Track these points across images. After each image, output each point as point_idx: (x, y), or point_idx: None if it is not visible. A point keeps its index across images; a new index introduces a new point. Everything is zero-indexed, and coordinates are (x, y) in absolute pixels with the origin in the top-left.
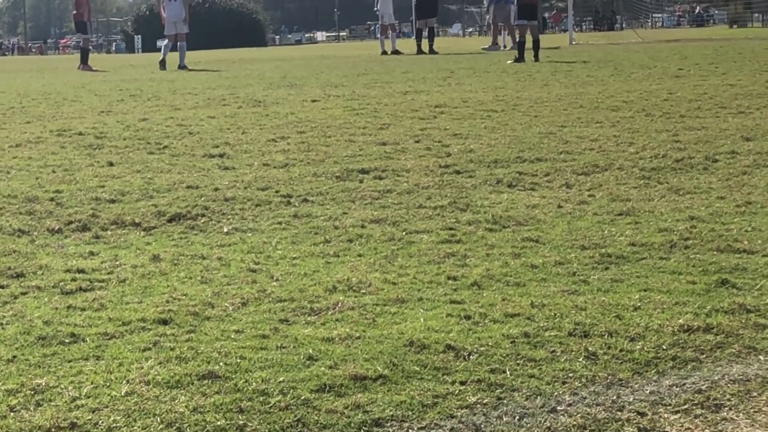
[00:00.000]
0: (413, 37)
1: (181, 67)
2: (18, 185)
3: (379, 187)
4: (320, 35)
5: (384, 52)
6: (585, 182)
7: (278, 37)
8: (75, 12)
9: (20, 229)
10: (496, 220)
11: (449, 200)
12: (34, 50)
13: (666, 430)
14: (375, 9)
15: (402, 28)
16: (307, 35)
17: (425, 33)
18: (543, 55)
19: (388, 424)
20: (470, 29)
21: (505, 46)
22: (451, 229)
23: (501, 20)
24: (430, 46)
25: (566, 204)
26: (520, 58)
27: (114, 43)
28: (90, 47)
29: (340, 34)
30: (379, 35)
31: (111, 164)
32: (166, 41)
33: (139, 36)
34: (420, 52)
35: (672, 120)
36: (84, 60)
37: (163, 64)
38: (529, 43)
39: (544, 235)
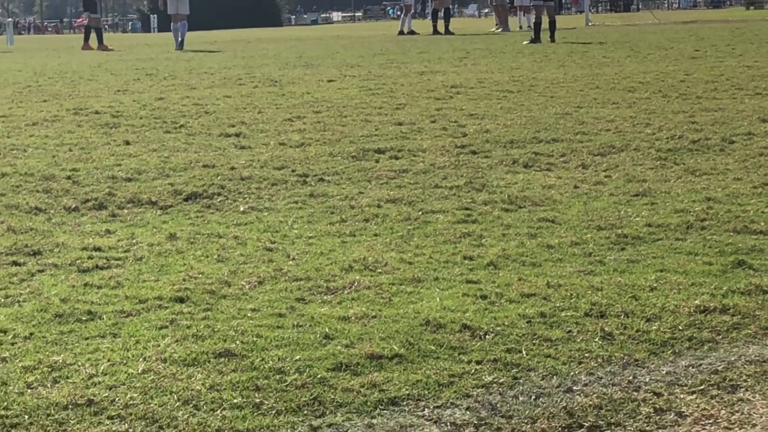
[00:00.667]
0: (429, 18)
1: (180, 46)
2: (35, 163)
3: (395, 166)
4: (336, 15)
5: (401, 32)
6: (601, 163)
7: (294, 17)
8: None
9: (37, 207)
10: (512, 200)
11: (465, 180)
12: (50, 29)
13: (682, 410)
14: None
15: (417, 8)
16: (323, 15)
17: (441, 13)
18: (559, 35)
19: (404, 403)
20: (486, 10)
21: (520, 27)
22: (467, 209)
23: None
24: (446, 26)
25: (582, 184)
26: (536, 39)
27: (130, 23)
28: (105, 26)
29: (356, 14)
30: (401, 15)
31: (127, 143)
32: (172, 24)
33: (155, 15)
34: (435, 32)
35: (688, 101)
36: (99, 39)
37: (180, 45)
38: (545, 24)
39: (560, 215)
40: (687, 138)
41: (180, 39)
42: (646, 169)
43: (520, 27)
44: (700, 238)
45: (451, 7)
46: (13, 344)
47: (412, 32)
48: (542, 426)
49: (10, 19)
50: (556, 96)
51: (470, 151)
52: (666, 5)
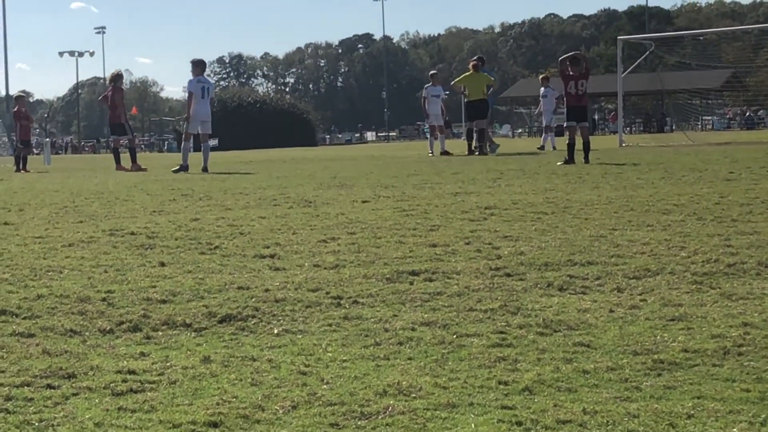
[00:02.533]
0: (464, 138)
1: (205, 169)
2: (70, 285)
3: (430, 289)
4: (370, 135)
5: (431, 154)
6: (636, 286)
7: (329, 136)
8: (110, 114)
9: (72, 329)
10: (547, 324)
11: (500, 303)
12: (87, 149)
13: None
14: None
15: (453, 129)
16: (357, 135)
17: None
18: (593, 156)
19: None
20: (519, 130)
21: (552, 148)
22: (501, 332)
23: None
24: (480, 146)
25: (618, 308)
26: (570, 160)
27: (165, 142)
28: (141, 146)
29: (390, 134)
30: (428, 135)
31: (162, 264)
32: (185, 143)
33: None
34: (470, 152)
35: (723, 224)
36: (133, 159)
37: (186, 168)
38: (579, 145)
39: (596, 339)
40: (722, 262)
41: (205, 158)
42: (681, 293)
43: (553, 147)
44: (737, 365)
45: (486, 128)
46: None
47: (445, 153)
48: None
49: (47, 139)
50: (591, 218)
51: (505, 273)
52: (700, 126)
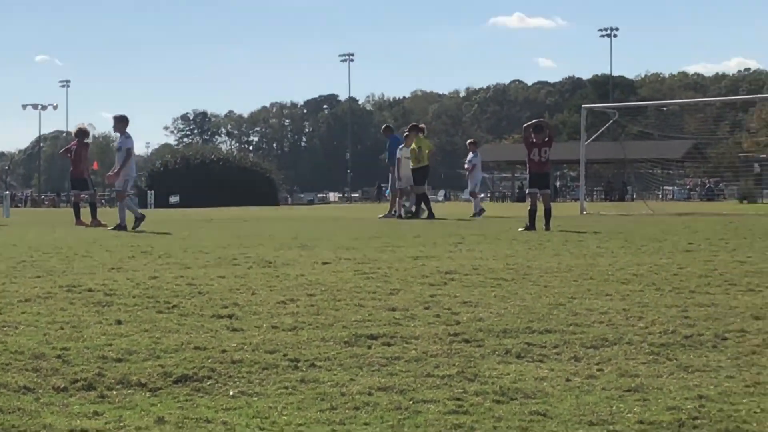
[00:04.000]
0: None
1: (140, 218)
2: (25, 341)
3: (388, 353)
4: (333, 195)
5: (399, 216)
6: (594, 356)
7: (290, 196)
8: (73, 168)
9: (26, 386)
10: (504, 392)
11: (457, 369)
12: (46, 202)
13: None
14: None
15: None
16: (319, 195)
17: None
18: (554, 223)
19: None
20: (482, 195)
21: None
22: (458, 399)
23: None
24: (417, 210)
25: (575, 377)
26: (531, 226)
27: (127, 197)
28: (101, 201)
29: (353, 195)
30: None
31: (119, 322)
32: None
33: (152, 191)
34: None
35: (682, 295)
36: (93, 215)
37: (124, 227)
38: (540, 211)
39: (552, 409)
40: (680, 333)
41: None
42: (638, 364)
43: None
44: None
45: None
46: None
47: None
48: None
49: (7, 192)
50: (550, 285)
51: (463, 339)
52: (660, 196)
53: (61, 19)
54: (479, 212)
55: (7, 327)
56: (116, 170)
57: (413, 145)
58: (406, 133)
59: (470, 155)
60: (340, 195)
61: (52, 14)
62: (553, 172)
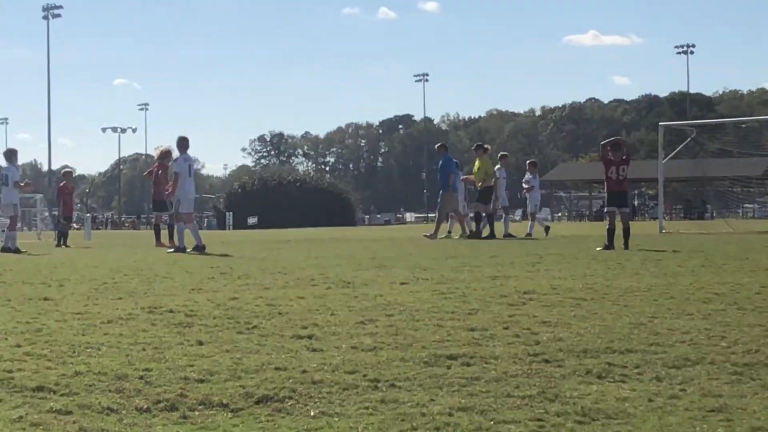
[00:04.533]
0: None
1: (201, 247)
2: (108, 362)
3: (467, 374)
4: (409, 215)
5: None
6: (676, 376)
7: (368, 216)
8: (155, 190)
9: (109, 407)
10: (585, 413)
11: (538, 390)
12: (127, 225)
13: None
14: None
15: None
16: (396, 216)
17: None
18: (632, 243)
19: None
20: (558, 214)
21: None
22: (539, 420)
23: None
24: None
25: (657, 398)
26: (609, 246)
27: (206, 219)
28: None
29: (429, 215)
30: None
31: (200, 343)
32: (179, 224)
33: (231, 213)
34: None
35: (765, 314)
36: (171, 236)
37: (183, 249)
38: (619, 230)
39: (635, 429)
40: (763, 352)
41: (198, 239)
42: (721, 384)
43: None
44: None
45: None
46: None
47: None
48: None
49: (88, 215)
50: (630, 305)
51: (543, 359)
52: (740, 214)
53: (139, 43)
54: (546, 230)
55: (91, 348)
56: (168, 191)
57: (477, 164)
58: (504, 153)
59: (528, 175)
60: (418, 215)
61: (129, 38)
62: (631, 190)
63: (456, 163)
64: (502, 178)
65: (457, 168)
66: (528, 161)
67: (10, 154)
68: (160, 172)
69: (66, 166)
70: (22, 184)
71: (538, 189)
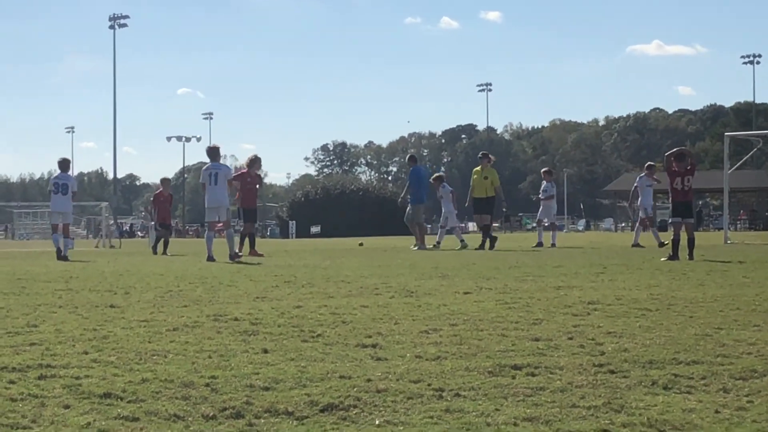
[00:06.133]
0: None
1: (234, 256)
2: (175, 369)
3: (532, 384)
4: (471, 225)
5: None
6: (743, 387)
7: (430, 226)
8: (244, 197)
9: (176, 414)
10: (651, 424)
11: (603, 400)
12: (191, 233)
13: None
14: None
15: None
16: (460, 225)
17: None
18: (697, 253)
19: None
20: (622, 224)
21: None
22: (605, 430)
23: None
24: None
25: (724, 409)
26: (674, 256)
27: (269, 228)
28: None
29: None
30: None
31: (265, 351)
32: (207, 232)
33: (294, 221)
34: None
35: None
36: (252, 245)
37: (211, 258)
38: (683, 241)
39: None
40: None
41: (230, 245)
42: None
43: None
44: None
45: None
46: None
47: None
48: None
49: (152, 222)
50: (696, 316)
51: (608, 370)
52: None
53: (203, 52)
54: (552, 244)
55: (157, 356)
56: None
57: (478, 173)
58: (651, 163)
59: (545, 184)
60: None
61: (193, 48)
62: (696, 201)
63: (426, 174)
64: (552, 193)
65: (427, 179)
66: (543, 170)
67: (67, 164)
68: (248, 179)
69: (165, 178)
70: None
71: (554, 198)
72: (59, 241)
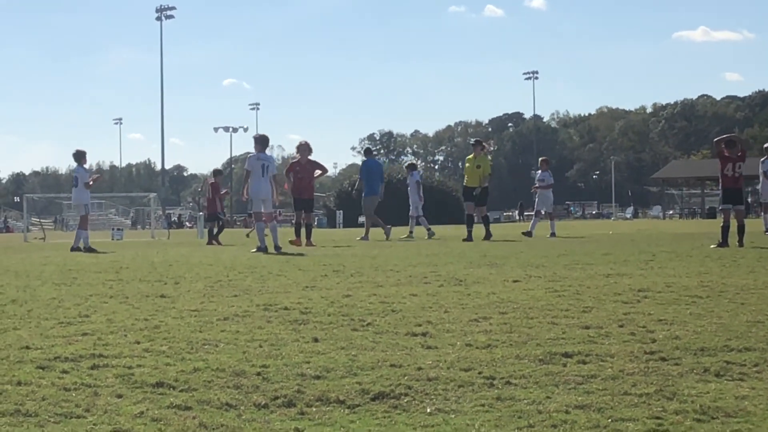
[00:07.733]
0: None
1: (277, 248)
2: (226, 359)
3: (583, 371)
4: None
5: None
6: None
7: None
8: (299, 187)
9: (228, 403)
10: (704, 411)
11: (655, 388)
12: (238, 223)
13: None
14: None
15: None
16: (505, 214)
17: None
18: (747, 240)
19: None
20: (670, 211)
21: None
22: (658, 418)
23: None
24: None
25: None
26: (723, 243)
27: (316, 218)
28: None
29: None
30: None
31: (316, 340)
32: (257, 223)
33: (341, 211)
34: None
35: None
36: (308, 235)
37: (264, 249)
38: (733, 227)
39: (755, 428)
40: None
41: (274, 237)
42: None
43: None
44: None
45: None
46: None
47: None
48: None
49: (201, 213)
50: (747, 303)
51: (660, 357)
52: None
53: (248, 43)
54: (552, 234)
55: (208, 345)
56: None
57: (471, 161)
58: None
59: (540, 173)
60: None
61: (239, 39)
62: (746, 187)
63: (377, 167)
64: (550, 182)
65: (378, 172)
66: (540, 159)
67: (79, 156)
68: (298, 168)
69: (218, 170)
70: (91, 181)
71: (551, 188)
72: (80, 234)
